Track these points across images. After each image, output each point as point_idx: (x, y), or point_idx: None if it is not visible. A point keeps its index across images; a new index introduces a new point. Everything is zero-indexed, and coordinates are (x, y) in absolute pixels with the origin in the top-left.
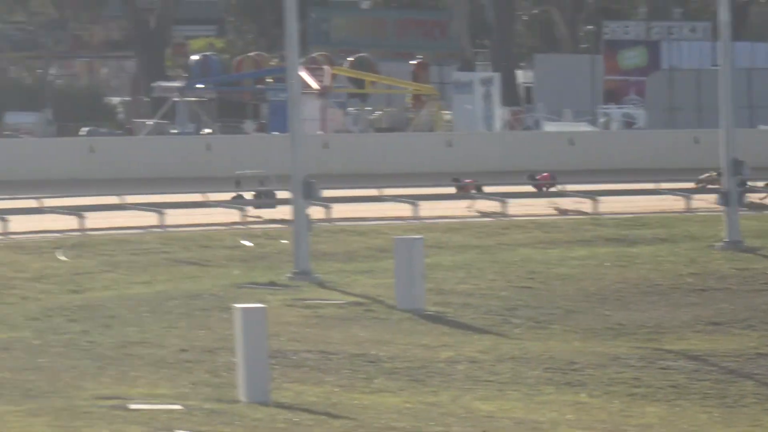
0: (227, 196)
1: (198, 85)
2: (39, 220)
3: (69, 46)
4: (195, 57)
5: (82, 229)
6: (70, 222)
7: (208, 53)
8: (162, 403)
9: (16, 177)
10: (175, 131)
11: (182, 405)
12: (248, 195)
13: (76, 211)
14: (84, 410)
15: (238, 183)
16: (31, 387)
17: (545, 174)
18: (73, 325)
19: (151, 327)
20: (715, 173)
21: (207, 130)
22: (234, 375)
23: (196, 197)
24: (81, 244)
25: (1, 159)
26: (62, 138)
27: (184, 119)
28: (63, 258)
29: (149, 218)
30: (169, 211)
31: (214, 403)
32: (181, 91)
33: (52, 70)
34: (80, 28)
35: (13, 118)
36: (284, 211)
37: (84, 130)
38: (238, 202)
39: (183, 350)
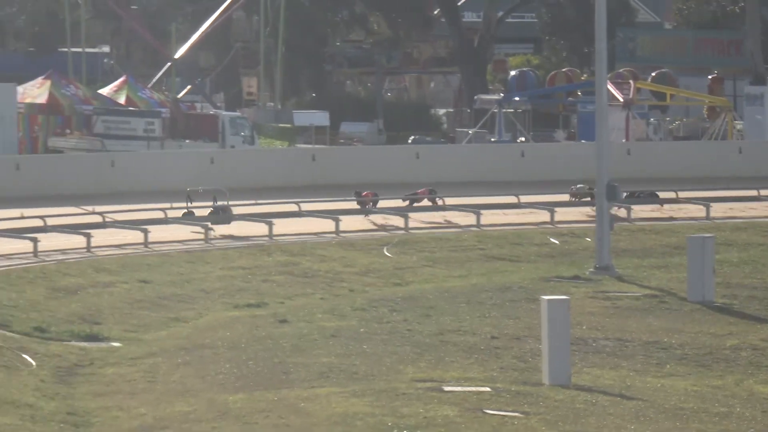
0: (541, 198)
1: (515, 98)
2: (367, 220)
3: (400, 63)
4: (513, 72)
5: (406, 228)
6: (395, 221)
7: (525, 69)
8: (473, 386)
9: (349, 181)
10: (493, 139)
11: (491, 387)
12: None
13: (401, 211)
14: (402, 392)
15: (189, 198)
16: (356, 371)
17: (423, 189)
18: (395, 315)
19: (466, 316)
20: (586, 186)
21: (522, 139)
22: (539, 360)
23: (510, 199)
24: (405, 241)
25: (336, 164)
26: (391, 146)
27: (502, 128)
28: (388, 254)
29: (467, 218)
30: (485, 212)
31: (520, 386)
32: (500, 103)
33: (384, 84)
34: (411, 46)
35: (347, 127)
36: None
37: (411, 138)
38: (189, 218)
39: (494, 337)
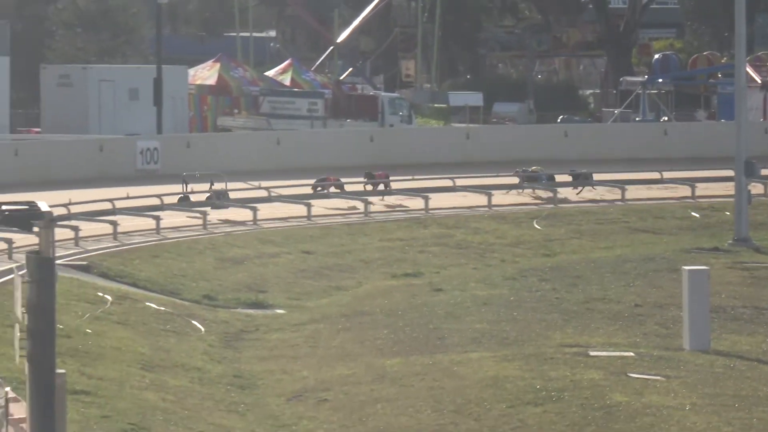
0: (683, 174)
1: (659, 80)
2: (519, 195)
3: (549, 46)
4: (657, 56)
5: (554, 202)
6: (544, 196)
7: (668, 52)
8: (617, 351)
9: (501, 158)
10: (638, 119)
11: (634, 352)
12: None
13: (552, 186)
14: (550, 356)
15: (185, 182)
16: (506, 336)
17: (380, 173)
18: (543, 284)
19: (611, 286)
20: (537, 168)
21: (665, 118)
22: (680, 327)
23: (653, 175)
24: (553, 215)
25: (489, 142)
26: (541, 125)
27: (646, 108)
28: (538, 227)
29: (613, 193)
30: (629, 187)
31: (662, 351)
32: (644, 84)
33: (535, 67)
34: (559, 30)
35: (500, 107)
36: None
37: (560, 117)
38: (184, 204)
39: (637, 305)
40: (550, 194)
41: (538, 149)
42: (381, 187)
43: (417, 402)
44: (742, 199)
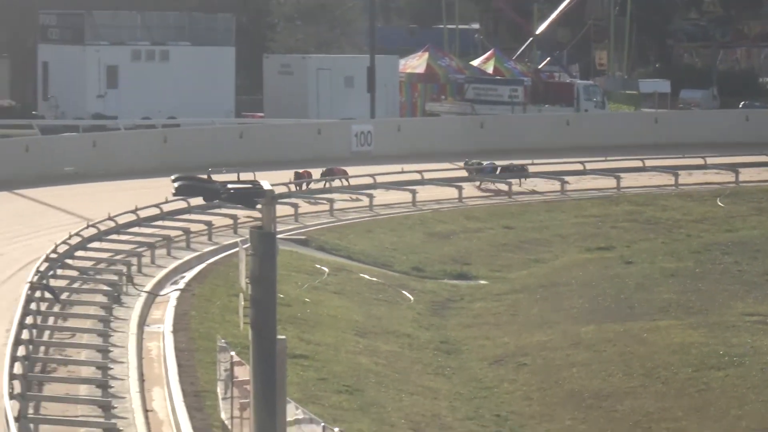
0: None
1: None
2: (704, 174)
3: (732, 37)
4: None
5: (736, 182)
6: (727, 176)
7: None
8: None
9: (686, 140)
10: None
11: None
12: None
13: (733, 167)
14: (732, 324)
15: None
16: (692, 306)
17: (338, 168)
18: (726, 257)
19: None
20: (476, 161)
21: None
22: None
23: None
24: (735, 193)
25: (675, 125)
26: (723, 110)
27: None
28: (721, 204)
29: None
30: None
31: None
32: None
33: (719, 57)
34: (742, 23)
35: (686, 94)
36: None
37: (741, 103)
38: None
39: None
40: (498, 186)
41: (720, 132)
42: (337, 183)
43: (609, 366)
44: None
